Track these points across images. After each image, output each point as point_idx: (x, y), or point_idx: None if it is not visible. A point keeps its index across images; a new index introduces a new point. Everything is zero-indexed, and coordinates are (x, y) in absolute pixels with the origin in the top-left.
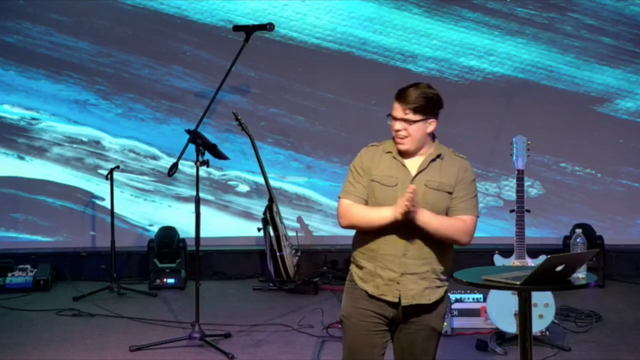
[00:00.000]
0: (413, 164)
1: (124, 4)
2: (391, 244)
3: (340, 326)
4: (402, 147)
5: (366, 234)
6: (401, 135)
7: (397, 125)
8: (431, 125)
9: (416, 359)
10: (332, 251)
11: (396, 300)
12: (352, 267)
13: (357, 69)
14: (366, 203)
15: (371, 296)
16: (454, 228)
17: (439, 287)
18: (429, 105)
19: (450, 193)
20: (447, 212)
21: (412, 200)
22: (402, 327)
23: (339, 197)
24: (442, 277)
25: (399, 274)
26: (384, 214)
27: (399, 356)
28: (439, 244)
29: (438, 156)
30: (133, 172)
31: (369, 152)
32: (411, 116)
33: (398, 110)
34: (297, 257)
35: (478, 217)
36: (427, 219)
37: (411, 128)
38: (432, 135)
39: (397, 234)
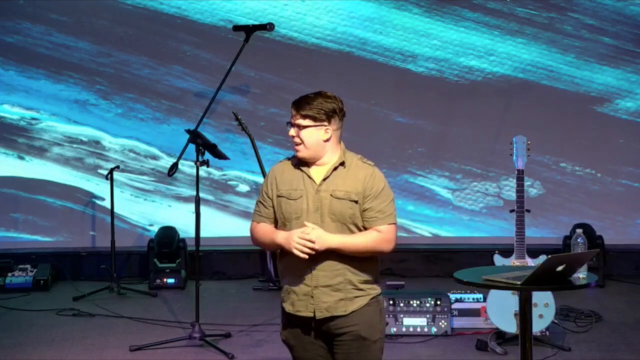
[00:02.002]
0: (318, 174)
1: (124, 4)
2: (299, 259)
3: None
4: (298, 154)
5: (283, 254)
6: (295, 142)
7: (291, 131)
8: (326, 133)
9: None
10: None
11: (311, 314)
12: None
13: (357, 69)
14: (275, 219)
15: (291, 315)
16: (372, 241)
17: (357, 297)
18: (322, 111)
19: (356, 202)
20: (358, 222)
21: (308, 240)
22: (336, 341)
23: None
24: (362, 286)
25: (311, 287)
26: (277, 241)
27: None
28: (351, 255)
29: (341, 164)
30: (133, 172)
31: (279, 168)
32: (301, 121)
33: (292, 116)
34: None
35: (395, 223)
36: (338, 245)
37: (302, 134)
38: (339, 143)
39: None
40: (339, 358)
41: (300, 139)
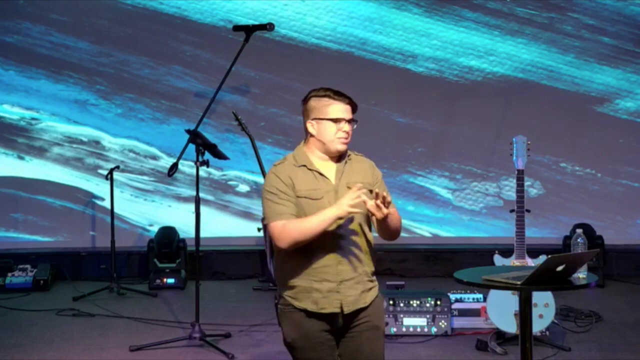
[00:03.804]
0: (327, 171)
1: (124, 4)
2: (324, 254)
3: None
4: (343, 149)
5: (293, 254)
6: (347, 138)
7: (348, 126)
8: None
9: None
10: None
11: (338, 310)
12: (284, 292)
13: (357, 69)
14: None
15: (311, 314)
16: (398, 219)
17: (371, 288)
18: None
19: (371, 192)
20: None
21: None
22: (350, 333)
23: (268, 222)
24: (372, 277)
25: (336, 283)
26: (328, 215)
27: None
28: (365, 246)
29: (348, 157)
30: (133, 172)
31: (282, 170)
32: (352, 116)
33: (349, 111)
34: None
35: None
36: (391, 208)
37: (351, 129)
38: None
39: (329, 244)
40: (350, 350)
41: (349, 134)
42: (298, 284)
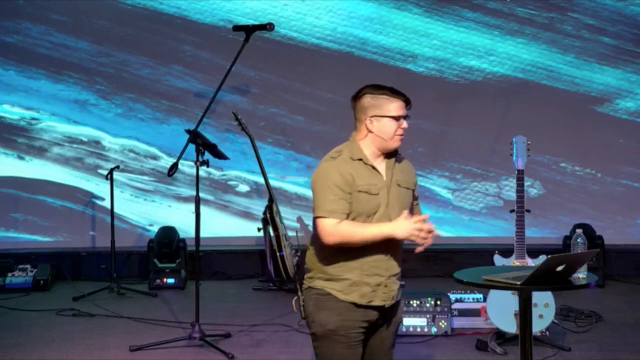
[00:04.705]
0: (379, 167)
1: (124, 4)
2: (376, 249)
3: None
4: (398, 146)
5: (345, 248)
6: (403, 134)
7: (406, 123)
8: None
9: (385, 355)
10: None
11: (384, 303)
12: (322, 283)
13: (357, 69)
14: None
15: (358, 305)
16: None
17: (401, 284)
18: None
19: (413, 191)
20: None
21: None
22: (378, 329)
23: (320, 216)
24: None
25: (386, 277)
26: (384, 231)
27: (369, 356)
28: (401, 244)
29: (398, 154)
30: (133, 172)
31: (342, 165)
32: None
33: (405, 108)
34: (297, 257)
35: None
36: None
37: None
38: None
39: (383, 240)
40: (374, 343)
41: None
42: (348, 277)
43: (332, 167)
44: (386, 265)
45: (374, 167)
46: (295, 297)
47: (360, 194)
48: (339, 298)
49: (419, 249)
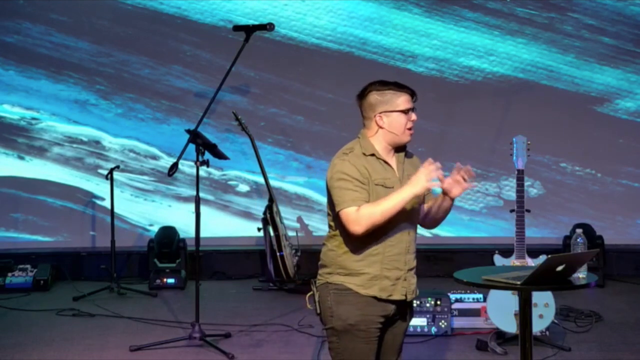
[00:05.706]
0: (391, 162)
1: (124, 4)
2: (396, 242)
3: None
4: (409, 140)
5: (365, 242)
6: (412, 127)
7: (415, 115)
8: None
9: (395, 350)
10: None
11: (403, 297)
12: (341, 278)
13: (357, 69)
14: None
15: (379, 299)
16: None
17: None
18: None
19: None
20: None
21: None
22: (390, 324)
23: (342, 209)
24: None
25: (405, 271)
26: (406, 193)
27: (380, 352)
28: (415, 239)
29: (407, 151)
30: (133, 172)
31: (356, 160)
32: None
33: (411, 101)
34: (297, 257)
35: None
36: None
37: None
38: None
39: (401, 232)
40: (387, 338)
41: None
42: (368, 272)
43: (347, 162)
44: (405, 259)
45: (386, 162)
46: (310, 293)
47: (377, 187)
48: (360, 293)
49: (454, 193)
